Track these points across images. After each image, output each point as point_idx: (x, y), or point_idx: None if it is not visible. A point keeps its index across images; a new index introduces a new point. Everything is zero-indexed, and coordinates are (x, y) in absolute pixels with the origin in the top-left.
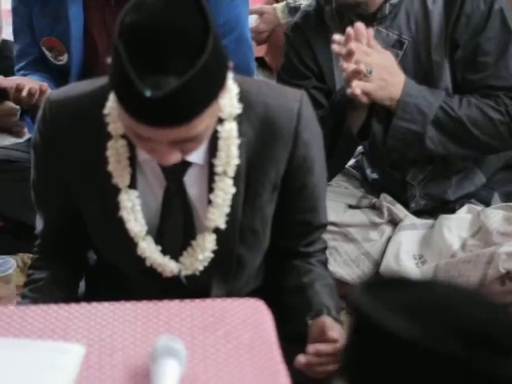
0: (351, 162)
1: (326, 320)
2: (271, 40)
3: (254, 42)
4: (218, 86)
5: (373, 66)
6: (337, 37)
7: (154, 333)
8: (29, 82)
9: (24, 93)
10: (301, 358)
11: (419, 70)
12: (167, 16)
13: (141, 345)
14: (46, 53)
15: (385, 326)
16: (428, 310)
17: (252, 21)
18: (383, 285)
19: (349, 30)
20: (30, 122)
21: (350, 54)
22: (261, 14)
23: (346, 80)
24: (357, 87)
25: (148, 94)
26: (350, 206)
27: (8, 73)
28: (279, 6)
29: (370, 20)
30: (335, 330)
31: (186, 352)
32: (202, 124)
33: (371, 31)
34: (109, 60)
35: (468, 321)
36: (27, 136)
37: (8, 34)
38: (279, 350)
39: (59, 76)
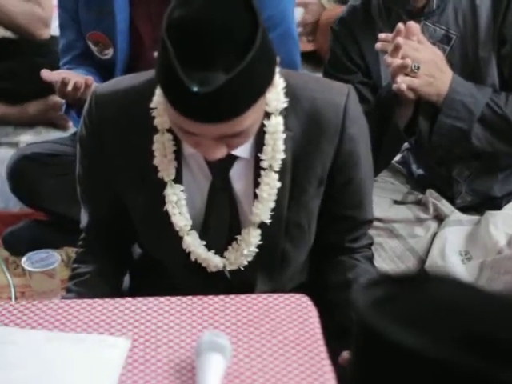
0: (397, 157)
1: None
2: (320, 30)
3: (303, 36)
4: (266, 81)
5: (421, 61)
6: (383, 35)
7: (198, 327)
8: (74, 76)
9: (69, 87)
10: (346, 355)
11: (466, 65)
12: (215, 11)
13: (186, 339)
14: (92, 47)
15: (391, 338)
16: (435, 317)
17: (298, 15)
18: (389, 293)
19: (400, 25)
20: (75, 116)
21: (396, 49)
22: (305, 5)
23: (392, 75)
24: (403, 82)
25: (195, 89)
26: (396, 202)
27: (54, 67)
28: None
29: (418, 15)
30: None
31: (231, 347)
32: (249, 119)
33: (415, 25)
34: (155, 54)
35: (482, 327)
36: (72, 130)
37: (54, 29)
38: (324, 346)
39: (104, 70)
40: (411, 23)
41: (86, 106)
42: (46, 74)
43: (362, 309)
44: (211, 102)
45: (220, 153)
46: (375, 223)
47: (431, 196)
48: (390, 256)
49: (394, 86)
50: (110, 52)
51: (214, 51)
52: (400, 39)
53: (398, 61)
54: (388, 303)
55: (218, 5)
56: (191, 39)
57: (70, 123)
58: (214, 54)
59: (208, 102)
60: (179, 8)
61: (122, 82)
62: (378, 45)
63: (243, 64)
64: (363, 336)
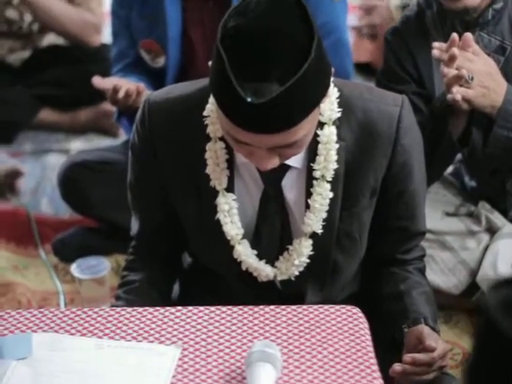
0: (449, 169)
1: (424, 329)
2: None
3: (367, 39)
4: (321, 92)
5: (475, 72)
6: (437, 44)
7: (249, 337)
8: (125, 83)
9: (121, 94)
10: (396, 367)
11: None
12: (270, 21)
13: (236, 349)
14: (144, 55)
15: None
16: None
17: (355, 19)
18: None
19: (454, 35)
20: (126, 124)
21: (451, 59)
22: (372, 8)
23: (447, 85)
24: (457, 93)
25: (249, 100)
26: (448, 214)
27: (105, 75)
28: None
29: (473, 25)
30: (433, 339)
31: (282, 357)
32: (303, 130)
33: (470, 36)
34: (209, 63)
35: None
36: (123, 138)
37: (106, 37)
38: (375, 358)
39: (156, 79)
40: (467, 34)
41: (139, 113)
42: (98, 80)
43: (492, 310)
44: (265, 113)
45: (272, 163)
46: (427, 235)
47: (483, 208)
48: (441, 268)
49: (449, 97)
50: (161, 60)
51: (269, 62)
52: (455, 50)
53: (453, 71)
54: None
55: (274, 15)
56: (246, 49)
57: (122, 131)
58: (269, 64)
59: (262, 113)
60: (234, 17)
61: (175, 89)
62: (435, 52)
63: (298, 75)
64: (491, 335)
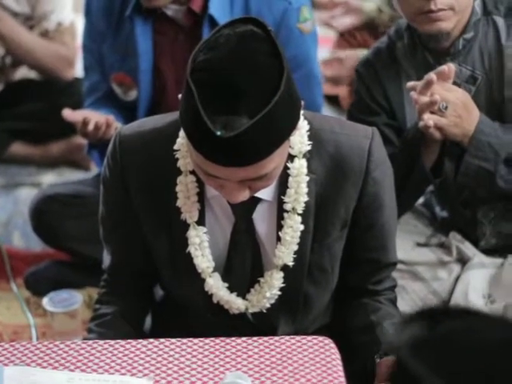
0: (420, 199)
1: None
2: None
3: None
4: (290, 125)
5: (450, 102)
6: (411, 83)
7: (221, 369)
8: (95, 116)
9: (90, 126)
10: None
11: (492, 106)
12: (240, 55)
13: (208, 381)
14: (116, 89)
15: None
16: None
17: (323, 55)
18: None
19: (444, 67)
20: (96, 157)
21: (427, 86)
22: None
23: (419, 112)
24: (429, 119)
25: (218, 133)
26: (419, 244)
27: (77, 109)
28: None
29: (443, 55)
30: None
31: None
32: (272, 163)
33: (453, 67)
34: (179, 96)
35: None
36: (95, 171)
37: (78, 71)
38: None
39: (127, 112)
40: (450, 65)
41: (110, 147)
42: (68, 113)
43: (402, 350)
44: (235, 146)
45: (243, 196)
46: (398, 266)
47: (454, 239)
48: (412, 299)
49: (421, 124)
50: (133, 94)
51: (239, 95)
52: (433, 75)
53: (425, 98)
54: (425, 347)
55: (244, 49)
56: (215, 83)
57: (93, 164)
58: (239, 98)
59: (231, 146)
60: (204, 51)
61: (147, 123)
62: (409, 83)
63: (267, 109)
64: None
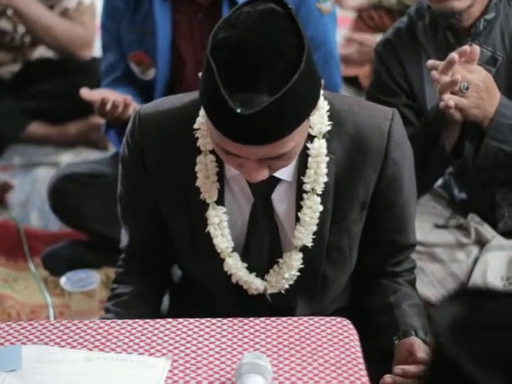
0: (439, 181)
1: (415, 341)
2: None
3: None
4: (310, 104)
5: (472, 83)
6: (431, 62)
7: (239, 349)
8: (113, 95)
9: (108, 106)
10: (387, 379)
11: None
12: (260, 33)
13: (226, 361)
14: (134, 68)
15: (468, 374)
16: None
17: (340, 37)
18: (472, 324)
19: (466, 47)
20: (114, 136)
21: (449, 66)
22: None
23: (439, 92)
24: (450, 99)
25: (238, 111)
26: (437, 226)
27: (95, 88)
28: None
29: (464, 35)
30: (424, 351)
31: (272, 369)
32: (292, 142)
33: (478, 49)
34: (199, 75)
35: None
36: (112, 150)
37: (96, 50)
38: (365, 369)
39: (145, 92)
40: (475, 47)
41: (129, 126)
42: (86, 92)
43: (442, 333)
44: (254, 124)
45: (262, 175)
46: (417, 247)
47: (473, 220)
48: (431, 280)
49: (441, 104)
50: (151, 73)
51: (259, 73)
52: (455, 56)
53: (446, 78)
54: (466, 331)
55: (264, 27)
56: (236, 60)
57: (111, 144)
58: (259, 75)
59: (251, 124)
60: (225, 29)
61: (166, 102)
62: (430, 62)
63: (287, 86)
64: (442, 362)
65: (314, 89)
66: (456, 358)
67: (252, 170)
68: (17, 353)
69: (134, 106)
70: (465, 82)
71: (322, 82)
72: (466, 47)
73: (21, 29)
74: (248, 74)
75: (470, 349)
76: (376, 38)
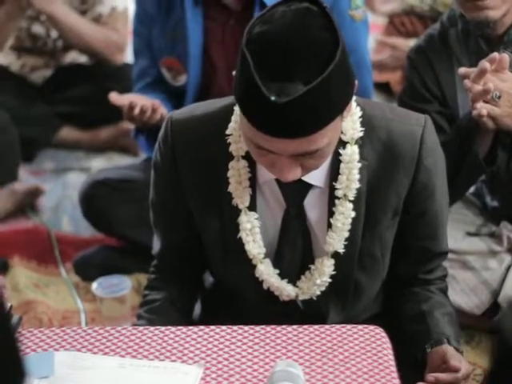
0: (471, 189)
1: (448, 349)
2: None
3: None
4: (344, 99)
5: (503, 91)
6: (463, 69)
7: (271, 357)
8: (141, 100)
9: (136, 110)
10: None
11: None
12: (295, 27)
13: (259, 369)
14: (165, 74)
15: None
16: None
17: (371, 42)
18: None
19: (495, 54)
20: (143, 141)
21: (480, 75)
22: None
23: (472, 101)
24: (482, 108)
25: (273, 99)
26: (469, 234)
27: (126, 94)
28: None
29: (496, 43)
30: (457, 359)
31: (304, 377)
32: (325, 138)
33: (507, 57)
34: (233, 73)
35: None
36: (143, 156)
37: (128, 56)
38: (398, 378)
39: (175, 98)
40: (504, 56)
41: (162, 131)
42: (114, 97)
43: (508, 333)
44: (288, 114)
45: (294, 173)
46: (448, 255)
47: (505, 228)
48: (462, 288)
49: (474, 113)
50: (183, 79)
51: (294, 63)
52: (487, 64)
53: (478, 87)
54: None
55: (299, 23)
56: (271, 51)
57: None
58: (294, 65)
59: (285, 114)
60: (260, 25)
61: (198, 108)
62: (462, 69)
63: (323, 76)
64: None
65: (347, 84)
66: None
67: (284, 168)
68: (49, 359)
69: (162, 111)
70: (497, 91)
71: (356, 82)
72: (495, 54)
73: (54, 33)
74: (283, 64)
75: None
76: (409, 43)
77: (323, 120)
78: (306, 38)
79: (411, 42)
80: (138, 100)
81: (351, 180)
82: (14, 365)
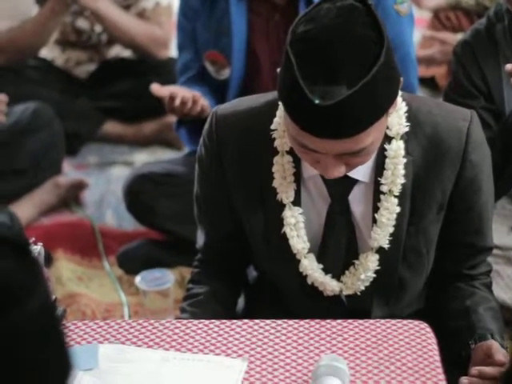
0: None
1: (493, 344)
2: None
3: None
4: (389, 99)
5: None
6: (510, 65)
7: (316, 351)
8: (182, 91)
9: (177, 101)
10: (464, 381)
11: None
12: (340, 26)
13: (303, 363)
14: (208, 67)
15: None
16: None
17: (417, 38)
18: None
19: None
20: (184, 135)
21: None
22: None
23: None
24: None
25: (317, 102)
26: None
27: None
28: None
29: None
30: (502, 354)
31: (349, 372)
32: (370, 138)
33: None
34: (278, 70)
35: None
36: (187, 150)
37: (172, 50)
38: (443, 373)
39: (219, 92)
40: None
41: (206, 126)
42: (156, 88)
43: None
44: (332, 117)
45: (338, 171)
46: (493, 250)
47: None
48: (507, 283)
49: None
50: (226, 72)
51: (338, 65)
52: None
53: None
54: None
55: (344, 21)
56: (315, 53)
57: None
58: (338, 67)
59: (329, 117)
60: (304, 24)
61: (243, 102)
62: (508, 66)
63: (367, 79)
64: None
65: (392, 84)
66: None
67: (329, 166)
68: (94, 352)
69: (203, 103)
70: None
71: (401, 79)
72: None
73: (98, 28)
74: (327, 66)
75: None
76: (458, 37)
77: (368, 120)
78: (350, 38)
79: (460, 36)
80: (179, 91)
81: (396, 175)
82: (61, 356)
